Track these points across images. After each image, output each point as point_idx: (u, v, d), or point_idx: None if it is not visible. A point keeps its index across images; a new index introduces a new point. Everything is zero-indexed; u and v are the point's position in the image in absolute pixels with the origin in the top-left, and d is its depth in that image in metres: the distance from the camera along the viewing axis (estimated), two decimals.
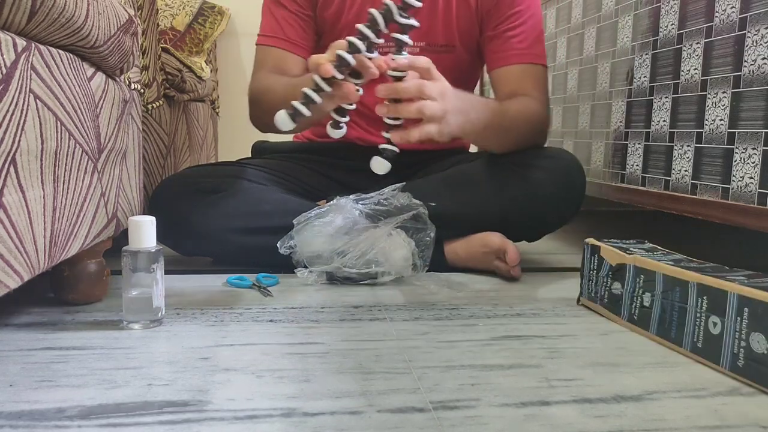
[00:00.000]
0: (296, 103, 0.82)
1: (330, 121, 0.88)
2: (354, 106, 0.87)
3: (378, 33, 0.81)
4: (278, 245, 1.03)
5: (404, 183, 1.11)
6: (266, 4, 1.17)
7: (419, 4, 0.80)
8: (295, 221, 1.04)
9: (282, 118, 0.83)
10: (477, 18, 1.15)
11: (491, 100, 1.00)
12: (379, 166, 0.86)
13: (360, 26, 0.81)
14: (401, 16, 0.80)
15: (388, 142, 0.86)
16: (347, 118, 0.87)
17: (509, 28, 1.12)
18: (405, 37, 0.82)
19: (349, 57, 0.80)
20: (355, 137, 1.27)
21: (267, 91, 1.08)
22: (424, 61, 0.85)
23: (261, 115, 1.11)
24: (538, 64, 1.15)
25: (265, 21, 1.16)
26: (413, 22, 0.81)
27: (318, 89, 0.81)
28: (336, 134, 0.88)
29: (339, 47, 0.81)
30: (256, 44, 1.18)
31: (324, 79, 0.81)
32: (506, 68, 1.14)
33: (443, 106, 0.85)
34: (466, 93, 0.93)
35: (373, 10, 0.81)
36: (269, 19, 1.15)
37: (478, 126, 0.97)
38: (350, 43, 0.80)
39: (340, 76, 0.81)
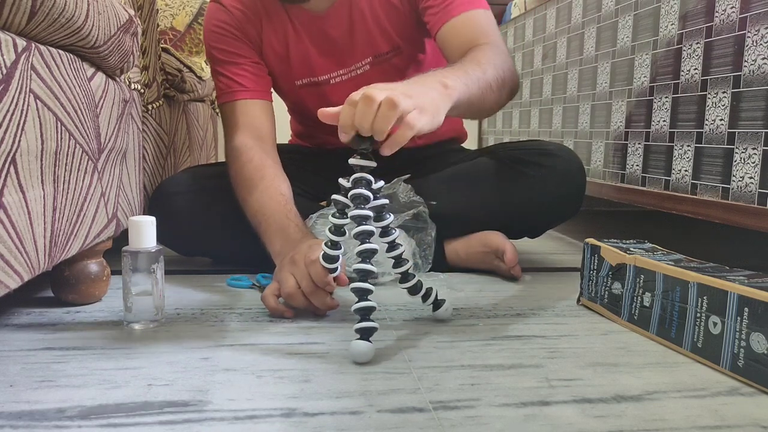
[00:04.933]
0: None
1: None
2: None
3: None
4: None
5: (408, 175, 1.10)
6: (213, 68, 1.14)
7: (374, 164, 0.72)
8: None
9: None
10: (406, 8, 1.11)
11: (446, 67, 0.87)
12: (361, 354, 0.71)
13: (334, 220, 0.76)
14: (375, 197, 0.73)
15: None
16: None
17: None
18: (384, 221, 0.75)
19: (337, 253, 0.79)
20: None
21: (244, 182, 1.03)
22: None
23: (235, 190, 1.06)
24: (479, 9, 1.05)
25: (219, 82, 1.13)
26: (384, 201, 0.75)
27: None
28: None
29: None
30: (219, 105, 1.15)
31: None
32: (449, 24, 1.04)
33: (407, 96, 0.70)
34: (419, 76, 0.80)
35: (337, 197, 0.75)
36: (221, 78, 1.13)
37: (457, 87, 0.81)
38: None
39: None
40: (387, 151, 0.70)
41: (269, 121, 1.12)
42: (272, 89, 1.21)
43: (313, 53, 1.15)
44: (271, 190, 1.00)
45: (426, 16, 1.09)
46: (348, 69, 1.16)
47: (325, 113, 0.71)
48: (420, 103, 0.70)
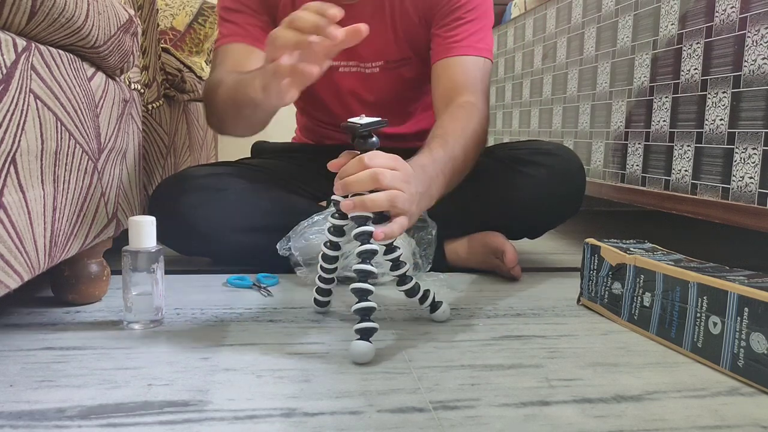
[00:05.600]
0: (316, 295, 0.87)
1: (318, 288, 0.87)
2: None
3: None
4: (277, 247, 1.03)
5: None
6: (221, 15, 1.13)
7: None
8: (291, 232, 1.04)
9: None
10: (423, 26, 1.13)
11: (439, 153, 0.88)
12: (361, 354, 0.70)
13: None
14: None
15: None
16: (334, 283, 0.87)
17: (451, 22, 1.09)
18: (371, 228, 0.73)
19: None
20: None
21: (217, 87, 0.99)
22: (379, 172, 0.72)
23: (212, 114, 1.03)
24: (479, 56, 1.08)
25: (223, 27, 1.12)
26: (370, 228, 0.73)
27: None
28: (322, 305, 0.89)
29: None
30: (214, 49, 1.13)
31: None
32: (446, 60, 1.08)
33: (410, 194, 0.75)
34: (419, 165, 0.82)
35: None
36: (226, 24, 1.11)
37: (441, 193, 0.88)
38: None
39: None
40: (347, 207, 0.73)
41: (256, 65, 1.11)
42: None
43: None
44: (239, 74, 0.94)
45: (432, 43, 1.11)
46: (356, 63, 1.17)
47: (333, 164, 0.76)
48: (412, 212, 0.76)
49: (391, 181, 0.72)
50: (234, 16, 1.11)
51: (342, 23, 1.15)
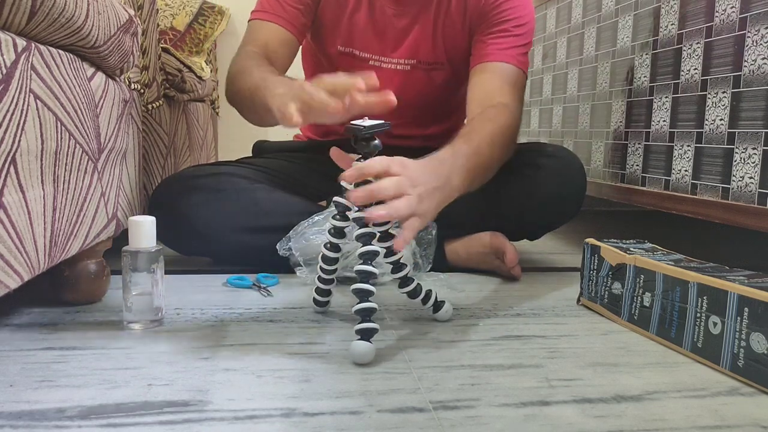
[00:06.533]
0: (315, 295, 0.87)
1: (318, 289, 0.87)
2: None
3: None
4: (277, 247, 1.03)
5: None
6: None
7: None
8: (291, 232, 1.04)
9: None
10: (465, 33, 1.14)
11: (461, 147, 0.87)
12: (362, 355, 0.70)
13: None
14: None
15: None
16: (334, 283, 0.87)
17: (497, 32, 1.11)
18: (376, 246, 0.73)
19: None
20: None
21: (242, 73, 1.00)
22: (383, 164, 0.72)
23: (231, 94, 1.05)
24: (518, 67, 1.10)
25: (263, 0, 1.13)
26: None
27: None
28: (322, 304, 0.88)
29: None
30: (249, 20, 1.14)
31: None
32: (488, 64, 1.10)
33: (417, 195, 0.74)
34: (437, 159, 0.81)
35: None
36: None
37: (465, 186, 0.86)
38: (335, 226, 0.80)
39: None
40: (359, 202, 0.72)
41: (287, 55, 1.12)
42: (310, 52, 1.24)
43: (367, 28, 1.15)
44: (266, 71, 0.97)
45: (474, 48, 1.13)
46: (389, 58, 1.18)
47: (337, 154, 0.75)
48: (426, 211, 0.75)
49: (396, 189, 0.71)
50: None
51: (388, 19, 1.17)
